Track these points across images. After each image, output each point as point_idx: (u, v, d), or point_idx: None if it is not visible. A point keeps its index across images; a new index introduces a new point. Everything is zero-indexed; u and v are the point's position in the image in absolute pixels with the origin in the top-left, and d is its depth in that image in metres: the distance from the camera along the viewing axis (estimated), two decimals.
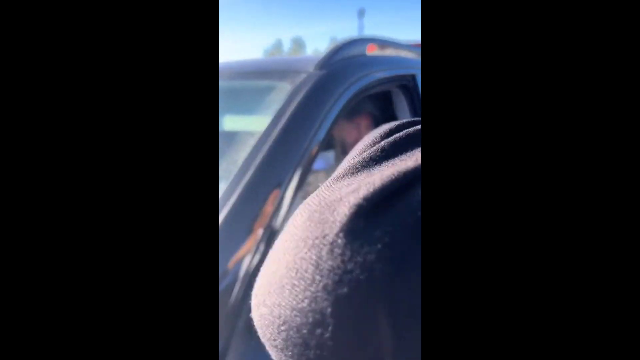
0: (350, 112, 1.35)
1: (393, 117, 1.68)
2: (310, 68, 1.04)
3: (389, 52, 1.55)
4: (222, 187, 0.74)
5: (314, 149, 0.85)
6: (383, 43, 1.38)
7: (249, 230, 0.70)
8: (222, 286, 0.65)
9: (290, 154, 0.80)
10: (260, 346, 0.70)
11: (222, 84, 1.10)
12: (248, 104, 1.06)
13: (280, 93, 0.97)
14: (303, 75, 1.00)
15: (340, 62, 1.07)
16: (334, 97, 0.94)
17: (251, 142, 0.83)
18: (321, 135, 0.87)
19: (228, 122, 1.10)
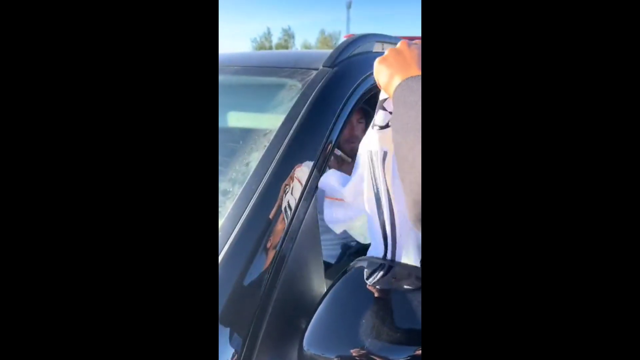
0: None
1: None
2: (319, 65, 1.02)
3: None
4: (237, 190, 0.72)
5: (329, 148, 0.83)
6: (388, 40, 1.36)
7: (268, 236, 0.68)
8: (237, 293, 0.63)
9: (307, 154, 0.78)
10: (286, 350, 0.68)
11: (226, 78, 1.08)
12: (257, 100, 1.03)
13: (291, 91, 0.94)
14: (313, 73, 0.98)
15: (350, 59, 1.05)
16: (346, 95, 0.92)
17: (263, 142, 0.81)
18: (335, 134, 0.86)
19: (233, 119, 1.07)
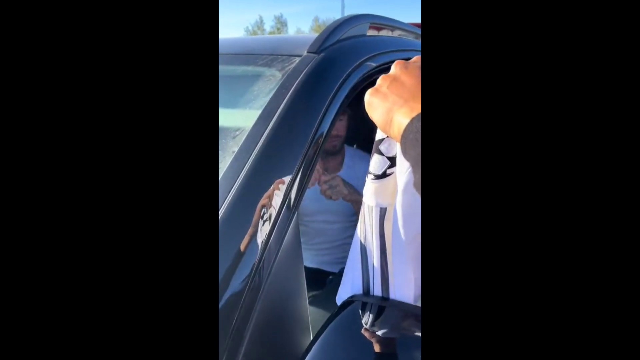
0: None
1: None
2: (303, 50, 0.86)
3: (386, 33, 1.38)
4: None
5: (315, 150, 0.68)
6: (384, 22, 1.21)
7: (241, 251, 0.53)
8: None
9: (286, 160, 0.63)
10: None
11: None
12: (226, 94, 0.88)
13: (268, 82, 0.79)
14: (295, 60, 0.83)
15: (340, 44, 0.90)
16: (335, 85, 0.77)
17: (231, 146, 0.66)
18: (323, 131, 0.71)
19: None
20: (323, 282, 1.42)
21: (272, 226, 0.57)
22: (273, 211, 0.59)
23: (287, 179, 0.62)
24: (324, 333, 0.50)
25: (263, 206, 0.57)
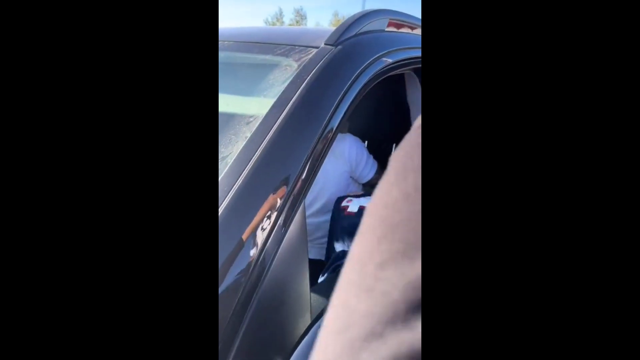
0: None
1: (405, 105, 1.52)
2: (320, 42, 0.87)
3: (405, 30, 1.38)
4: None
5: (327, 139, 0.69)
6: (403, 19, 1.21)
7: (243, 240, 0.55)
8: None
9: (299, 148, 0.64)
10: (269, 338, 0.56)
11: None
12: (242, 81, 0.89)
13: (285, 71, 0.80)
14: (313, 51, 0.84)
15: (358, 37, 0.90)
16: (351, 78, 0.78)
17: (244, 132, 0.67)
18: (336, 122, 0.72)
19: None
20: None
21: (277, 215, 0.59)
22: (279, 200, 0.60)
23: (299, 164, 0.63)
24: (323, 316, 0.51)
25: (270, 195, 0.59)
